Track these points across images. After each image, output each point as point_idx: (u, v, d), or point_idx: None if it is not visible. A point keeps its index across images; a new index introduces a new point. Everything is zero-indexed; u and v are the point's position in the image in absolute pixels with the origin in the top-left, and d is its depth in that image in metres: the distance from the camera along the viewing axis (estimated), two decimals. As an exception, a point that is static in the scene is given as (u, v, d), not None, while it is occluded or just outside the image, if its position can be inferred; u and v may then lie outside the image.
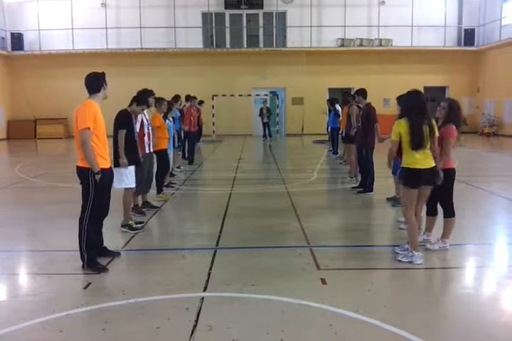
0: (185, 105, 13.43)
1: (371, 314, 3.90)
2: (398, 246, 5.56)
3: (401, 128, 5.11)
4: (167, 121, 9.25)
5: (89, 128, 4.85)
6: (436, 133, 5.19)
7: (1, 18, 24.31)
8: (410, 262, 5.15)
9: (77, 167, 5.03)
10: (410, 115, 5.11)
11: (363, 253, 5.75)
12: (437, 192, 5.44)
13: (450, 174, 5.48)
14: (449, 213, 5.62)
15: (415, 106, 5.13)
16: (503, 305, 4.28)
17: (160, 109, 8.65)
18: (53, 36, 24.35)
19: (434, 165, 5.17)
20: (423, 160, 5.10)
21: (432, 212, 5.79)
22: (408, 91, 5.35)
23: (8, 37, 24.61)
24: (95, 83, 5.08)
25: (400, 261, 5.21)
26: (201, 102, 19.41)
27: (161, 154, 8.65)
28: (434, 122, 5.23)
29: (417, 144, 5.04)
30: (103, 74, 5.17)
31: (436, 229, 5.83)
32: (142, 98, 6.78)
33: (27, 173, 12.23)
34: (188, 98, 13.90)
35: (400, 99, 7.77)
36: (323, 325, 3.79)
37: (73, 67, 23.45)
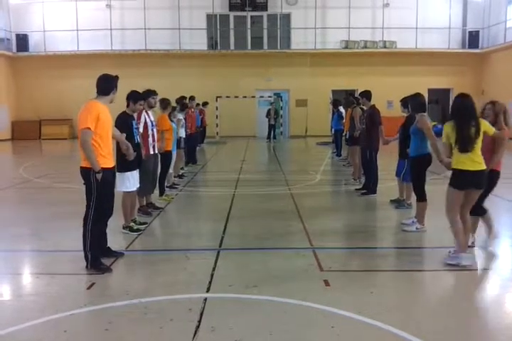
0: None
1: (374, 316, 3.90)
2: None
3: (448, 130, 5.12)
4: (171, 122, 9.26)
5: (89, 128, 4.84)
6: (481, 135, 5.10)
7: (6, 19, 24.42)
8: (457, 264, 5.09)
9: (80, 167, 5.04)
10: (457, 118, 5.10)
11: (366, 255, 5.75)
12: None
13: (495, 175, 5.52)
14: (478, 211, 5.63)
15: (462, 108, 5.13)
16: (506, 307, 4.27)
17: (166, 111, 8.64)
18: (58, 37, 24.44)
19: (484, 168, 5.11)
20: (471, 161, 5.06)
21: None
22: (457, 95, 5.34)
23: (14, 38, 24.72)
24: (106, 85, 5.08)
25: (448, 263, 5.15)
26: (205, 103, 19.44)
27: (166, 155, 8.67)
28: (485, 123, 5.19)
29: (463, 147, 5.04)
30: (116, 77, 5.18)
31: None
32: (134, 94, 6.66)
33: (31, 174, 12.27)
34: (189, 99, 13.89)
35: (405, 102, 7.80)
36: (326, 326, 3.79)
37: (78, 68, 23.57)
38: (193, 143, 13.63)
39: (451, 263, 5.13)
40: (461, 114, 5.10)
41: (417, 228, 6.63)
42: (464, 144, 5.03)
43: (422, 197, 6.56)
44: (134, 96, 6.55)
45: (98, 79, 5.09)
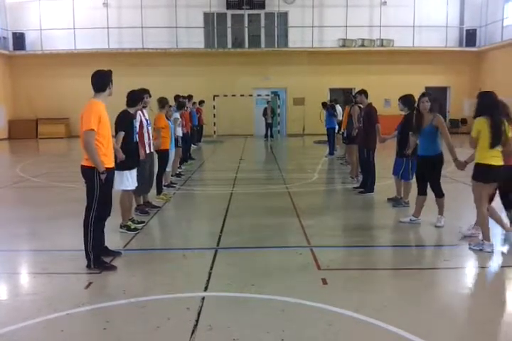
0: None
1: (372, 314, 3.90)
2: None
3: (481, 126, 5.33)
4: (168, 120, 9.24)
5: (93, 129, 4.87)
6: (510, 132, 5.40)
7: (3, 17, 24.34)
8: (481, 250, 5.46)
9: (82, 166, 5.03)
10: (490, 114, 5.32)
11: (364, 254, 5.75)
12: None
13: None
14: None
15: (495, 105, 5.39)
16: (504, 305, 4.28)
17: (163, 109, 8.64)
18: (55, 36, 24.36)
19: (502, 164, 5.40)
20: (496, 157, 5.35)
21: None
22: (484, 92, 5.65)
23: (10, 36, 24.63)
24: (101, 81, 5.09)
25: (471, 248, 5.55)
26: (201, 102, 19.42)
27: (164, 154, 8.66)
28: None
29: (496, 142, 5.28)
30: (110, 72, 5.18)
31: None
32: (138, 94, 6.81)
33: (28, 173, 12.24)
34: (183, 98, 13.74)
35: (404, 100, 7.79)
36: (324, 324, 3.79)
37: (75, 67, 23.48)
38: (187, 142, 13.56)
39: (475, 249, 5.53)
40: (494, 110, 5.34)
41: (411, 220, 6.78)
42: (498, 140, 5.28)
43: (441, 193, 6.69)
44: (140, 96, 6.77)
45: (92, 77, 5.08)
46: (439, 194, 6.66)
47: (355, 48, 24.81)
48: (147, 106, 7.51)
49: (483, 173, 5.39)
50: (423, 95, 6.72)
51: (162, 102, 8.55)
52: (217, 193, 9.63)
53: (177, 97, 12.00)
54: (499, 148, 5.36)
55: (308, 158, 15.59)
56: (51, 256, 5.58)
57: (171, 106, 9.77)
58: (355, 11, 24.43)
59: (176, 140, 10.00)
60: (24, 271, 5.35)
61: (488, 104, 5.42)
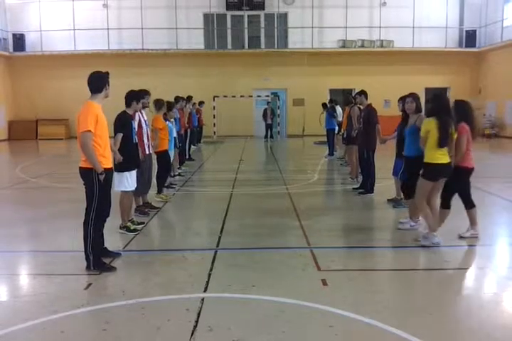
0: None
1: (372, 315, 3.89)
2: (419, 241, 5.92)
3: (429, 126, 5.53)
4: (167, 122, 9.24)
5: (90, 130, 4.86)
6: (455, 135, 5.67)
7: (3, 18, 24.37)
8: (430, 243, 5.65)
9: (80, 168, 5.02)
10: (439, 115, 5.51)
11: (364, 254, 5.75)
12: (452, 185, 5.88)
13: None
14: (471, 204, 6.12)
15: (443, 106, 5.57)
16: (503, 306, 4.27)
17: (161, 111, 8.64)
18: (55, 37, 24.39)
19: (450, 161, 5.64)
20: (444, 156, 5.57)
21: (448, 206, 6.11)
22: (438, 95, 5.85)
23: (10, 38, 24.66)
24: (98, 83, 5.08)
25: (423, 245, 5.71)
26: (201, 103, 19.43)
27: (163, 155, 8.67)
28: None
29: (444, 142, 5.48)
30: (106, 73, 5.17)
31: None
32: (136, 94, 6.83)
33: (28, 174, 12.24)
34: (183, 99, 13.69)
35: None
36: (324, 325, 3.79)
37: (75, 68, 23.48)
38: (183, 143, 13.49)
39: (426, 245, 5.69)
40: (447, 111, 5.55)
41: (411, 225, 6.70)
42: (445, 140, 5.50)
43: (408, 196, 6.65)
44: (136, 96, 6.72)
45: (89, 78, 5.08)
46: (409, 196, 6.64)
47: (355, 49, 24.83)
48: (147, 107, 7.52)
49: (432, 172, 5.63)
50: (408, 96, 6.83)
51: (158, 104, 8.56)
52: (217, 194, 9.63)
53: (176, 98, 11.98)
54: (445, 148, 5.58)
55: (308, 159, 15.59)
56: (51, 257, 5.58)
57: (171, 107, 9.78)
58: (355, 11, 24.45)
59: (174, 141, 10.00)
60: (24, 272, 5.35)
61: (439, 106, 5.60)
